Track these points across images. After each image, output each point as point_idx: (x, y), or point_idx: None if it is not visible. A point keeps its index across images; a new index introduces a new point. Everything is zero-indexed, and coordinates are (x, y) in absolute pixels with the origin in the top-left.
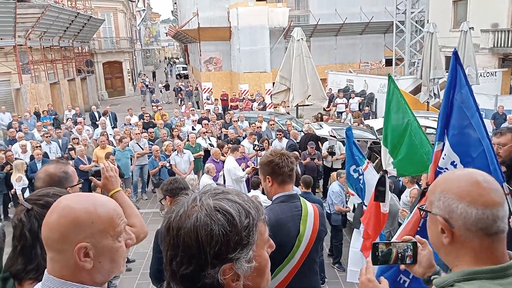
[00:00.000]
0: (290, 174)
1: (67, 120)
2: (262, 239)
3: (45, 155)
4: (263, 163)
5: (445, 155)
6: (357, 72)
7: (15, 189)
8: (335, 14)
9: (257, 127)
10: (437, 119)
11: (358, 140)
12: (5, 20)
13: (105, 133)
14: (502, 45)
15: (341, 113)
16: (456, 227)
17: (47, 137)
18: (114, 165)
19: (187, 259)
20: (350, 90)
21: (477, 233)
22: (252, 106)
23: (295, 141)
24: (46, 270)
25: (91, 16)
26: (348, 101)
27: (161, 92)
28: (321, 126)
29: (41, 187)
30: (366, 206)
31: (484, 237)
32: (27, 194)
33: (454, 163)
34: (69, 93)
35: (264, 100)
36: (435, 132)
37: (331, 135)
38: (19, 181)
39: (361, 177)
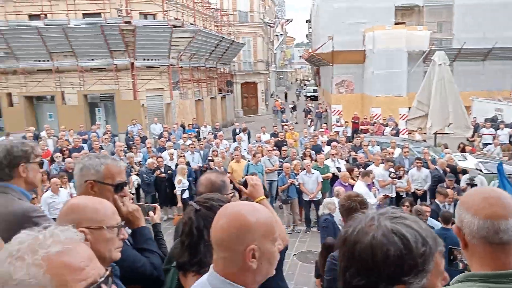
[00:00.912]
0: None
1: (208, 133)
2: (438, 270)
3: (188, 164)
4: (339, 205)
5: None
6: (508, 101)
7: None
8: (483, 38)
9: (389, 153)
10: None
11: (509, 177)
12: (162, 43)
13: (239, 148)
14: None
15: (487, 144)
16: (465, 234)
17: (191, 147)
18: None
19: (361, 272)
20: (499, 120)
21: (480, 241)
22: (384, 131)
23: (441, 171)
24: (212, 266)
25: (233, 40)
26: (496, 132)
27: (291, 112)
28: (465, 158)
29: (203, 192)
30: None
31: (486, 245)
32: (185, 195)
33: None
34: (210, 110)
35: (397, 125)
36: None
37: (476, 169)
38: (179, 183)
39: None
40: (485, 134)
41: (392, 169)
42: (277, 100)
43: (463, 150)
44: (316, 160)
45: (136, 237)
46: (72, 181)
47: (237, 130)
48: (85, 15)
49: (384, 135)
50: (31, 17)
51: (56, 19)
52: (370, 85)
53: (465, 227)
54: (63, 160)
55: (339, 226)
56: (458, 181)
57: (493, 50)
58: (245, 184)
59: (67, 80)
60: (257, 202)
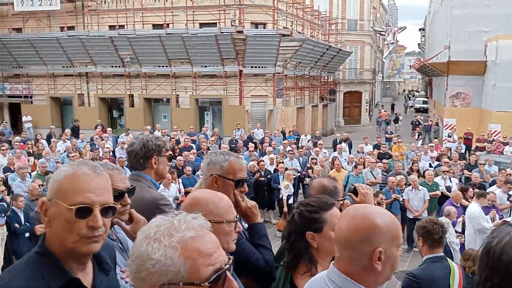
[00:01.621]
0: (439, 240)
1: (308, 141)
2: None
3: (286, 169)
4: (419, 225)
5: None
6: None
7: (282, 194)
8: None
9: (507, 174)
10: None
11: None
12: (270, 51)
13: (337, 158)
14: None
15: None
16: None
17: (290, 154)
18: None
19: (505, 283)
20: None
21: None
22: (503, 149)
23: None
24: (332, 263)
25: (340, 49)
26: None
27: (396, 123)
28: None
29: (313, 195)
30: None
31: None
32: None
33: None
34: (311, 118)
35: None
36: None
37: None
38: (286, 188)
39: None
40: None
41: (511, 192)
42: (385, 111)
43: None
44: (424, 176)
45: (252, 232)
46: (180, 177)
47: (338, 140)
48: (202, 25)
49: (503, 154)
50: (155, 26)
51: (176, 29)
52: (490, 99)
53: None
54: (175, 157)
55: (455, 247)
56: None
57: None
58: (354, 191)
59: (182, 85)
60: None
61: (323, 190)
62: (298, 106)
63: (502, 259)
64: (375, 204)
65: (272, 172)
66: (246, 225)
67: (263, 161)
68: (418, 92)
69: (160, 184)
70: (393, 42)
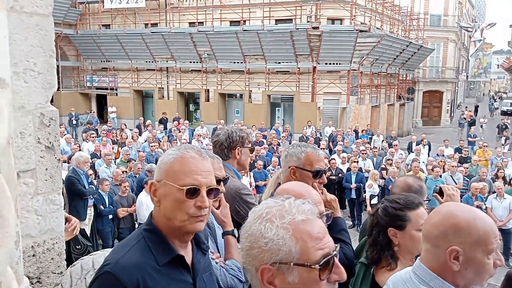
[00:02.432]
0: None
1: (382, 141)
2: None
3: (360, 169)
4: None
5: None
6: None
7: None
8: None
9: None
10: None
11: None
12: (346, 48)
13: (417, 160)
14: None
15: None
16: None
17: (363, 153)
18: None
19: None
20: None
21: None
22: None
23: None
24: (418, 258)
25: (421, 46)
26: None
27: (481, 127)
28: None
29: (397, 193)
30: None
31: None
32: (374, 201)
33: None
34: (386, 117)
35: None
36: None
37: None
38: (370, 188)
39: None
40: None
41: None
42: (470, 111)
43: None
44: (510, 184)
45: (332, 226)
46: (252, 171)
47: (414, 144)
48: (278, 21)
49: None
50: (232, 23)
51: (252, 25)
52: None
53: None
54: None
55: None
56: None
57: None
58: (440, 192)
59: (255, 81)
60: None
61: (407, 189)
62: (373, 104)
63: None
64: None
65: (344, 170)
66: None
67: (334, 159)
68: (506, 93)
69: (242, 175)
70: (480, 39)
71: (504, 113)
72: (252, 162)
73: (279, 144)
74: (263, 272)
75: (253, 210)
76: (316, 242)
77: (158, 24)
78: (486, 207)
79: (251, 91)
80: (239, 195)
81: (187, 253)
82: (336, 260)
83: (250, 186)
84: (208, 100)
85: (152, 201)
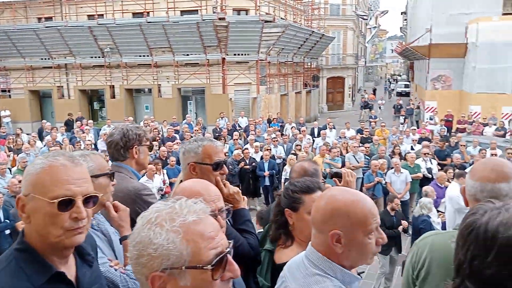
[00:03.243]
0: None
1: (291, 128)
2: None
3: (272, 157)
4: None
5: None
6: None
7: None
8: None
9: (490, 155)
10: None
11: None
12: (253, 38)
13: (328, 144)
14: None
15: None
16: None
17: (275, 141)
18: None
19: (498, 263)
20: None
21: (470, 198)
22: (483, 130)
23: None
24: (310, 242)
25: (323, 34)
26: None
27: (379, 108)
28: None
29: (295, 177)
30: None
31: (475, 202)
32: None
33: None
34: (295, 104)
35: (504, 125)
36: None
37: None
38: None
39: None
40: None
41: None
42: (372, 94)
43: None
44: (405, 159)
45: (236, 218)
46: (165, 168)
47: (316, 130)
48: (183, 12)
49: (483, 135)
50: (135, 14)
51: (156, 17)
52: (470, 81)
53: (466, 188)
54: (159, 148)
55: (436, 226)
56: None
57: None
58: (337, 175)
59: (164, 74)
60: None
61: (304, 173)
62: (282, 93)
63: (497, 238)
64: (388, 209)
65: (257, 160)
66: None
67: (247, 149)
68: (400, 76)
69: (143, 175)
70: (375, 27)
71: (399, 94)
72: (165, 158)
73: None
74: (153, 279)
75: (142, 215)
76: (208, 242)
77: (53, 18)
78: (386, 182)
79: (160, 85)
80: (139, 197)
81: (69, 268)
82: (229, 257)
83: (164, 184)
84: (113, 97)
85: (21, 217)
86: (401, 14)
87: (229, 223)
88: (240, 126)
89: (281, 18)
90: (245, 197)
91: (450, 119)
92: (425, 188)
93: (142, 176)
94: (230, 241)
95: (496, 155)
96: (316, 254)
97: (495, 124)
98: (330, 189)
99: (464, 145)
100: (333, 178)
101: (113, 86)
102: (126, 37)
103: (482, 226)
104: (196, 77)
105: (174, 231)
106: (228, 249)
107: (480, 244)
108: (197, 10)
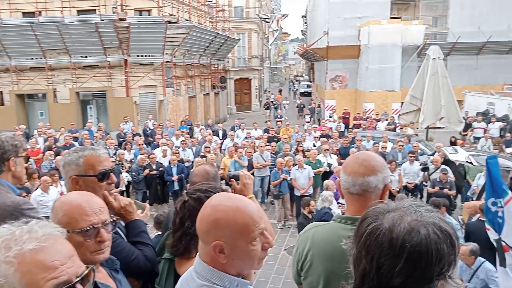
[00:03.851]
0: None
1: (200, 130)
2: None
3: (181, 160)
4: None
5: None
6: (500, 95)
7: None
8: (477, 32)
9: (382, 148)
10: None
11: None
12: (156, 39)
13: (237, 144)
14: None
15: (478, 138)
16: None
17: (183, 144)
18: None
19: (407, 271)
20: (491, 114)
21: (344, 191)
22: (376, 125)
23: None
24: (198, 254)
25: (228, 36)
26: (487, 126)
27: (285, 108)
28: (456, 151)
29: (198, 182)
30: (505, 242)
31: (348, 195)
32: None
33: None
34: (203, 106)
35: (394, 120)
36: None
37: (467, 162)
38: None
39: (500, 210)
40: (476, 128)
41: None
42: (279, 95)
43: (454, 144)
44: (305, 155)
45: (129, 230)
46: (61, 179)
47: (220, 132)
48: (80, 12)
49: (376, 129)
50: (25, 14)
51: (50, 16)
52: (364, 80)
53: (341, 182)
54: (55, 157)
55: None
56: None
57: (487, 44)
58: (236, 178)
59: (59, 78)
60: None
61: (207, 176)
62: (190, 95)
63: (405, 246)
64: (305, 212)
65: (165, 164)
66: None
67: (154, 153)
68: (303, 77)
69: (50, 185)
70: (277, 29)
71: (302, 94)
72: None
73: (93, 145)
74: None
75: None
76: (48, 272)
77: None
78: (291, 178)
79: (55, 89)
80: (20, 211)
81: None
82: (80, 287)
83: (61, 195)
84: (2, 104)
85: None
86: (302, 18)
87: (123, 236)
88: (150, 129)
89: (186, 20)
90: (147, 204)
91: (347, 116)
92: (326, 182)
93: (36, 189)
94: (91, 266)
95: (385, 148)
96: (203, 265)
97: (387, 119)
98: (213, 198)
99: (360, 140)
100: (231, 180)
101: (1, 92)
102: (15, 38)
103: (386, 233)
104: (97, 80)
105: (7, 262)
106: (79, 278)
107: (387, 252)
108: (95, 10)
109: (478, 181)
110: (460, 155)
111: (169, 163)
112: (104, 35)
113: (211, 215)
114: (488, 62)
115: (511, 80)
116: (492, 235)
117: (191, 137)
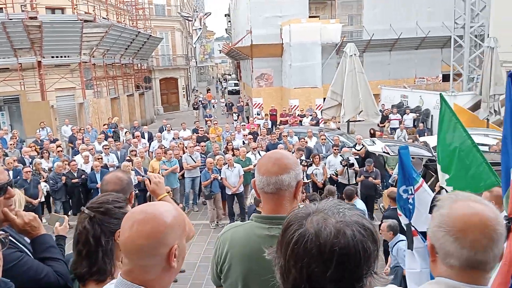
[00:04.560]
0: None
1: (125, 133)
2: None
3: (105, 166)
4: None
5: None
6: (412, 88)
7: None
8: (389, 29)
9: (306, 142)
10: (497, 136)
11: (413, 157)
12: (72, 39)
13: (163, 146)
14: None
15: (394, 129)
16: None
17: (106, 149)
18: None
19: (338, 275)
20: (405, 106)
21: (260, 191)
22: (301, 121)
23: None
24: (120, 274)
25: (150, 35)
26: (402, 117)
27: (213, 107)
28: (373, 142)
29: (111, 190)
30: (414, 227)
31: (263, 195)
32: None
33: None
34: (128, 108)
35: (317, 115)
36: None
37: (384, 152)
38: None
39: (411, 197)
40: (392, 120)
41: (303, 157)
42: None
43: (373, 136)
44: (234, 154)
45: (36, 246)
46: None
47: (146, 134)
48: None
49: (302, 125)
50: None
51: None
52: (288, 78)
53: (256, 182)
54: None
55: None
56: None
57: (398, 41)
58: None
59: None
60: (160, 199)
61: (120, 183)
62: (112, 96)
63: (335, 251)
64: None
65: (88, 171)
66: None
67: (75, 160)
68: (230, 75)
69: None
70: (200, 28)
71: (230, 92)
72: None
73: (6, 155)
74: None
75: None
76: None
77: None
78: (221, 177)
79: None
80: None
81: None
82: None
83: None
84: None
85: None
86: (225, 16)
87: (29, 254)
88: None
89: (103, 18)
90: (65, 216)
91: (274, 113)
92: (253, 180)
93: None
94: None
95: (307, 142)
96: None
97: (311, 115)
98: (138, 210)
99: (286, 136)
100: (145, 180)
101: None
102: None
103: (313, 239)
104: (7, 84)
105: None
106: None
107: (317, 259)
108: (1, 8)
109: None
110: (377, 146)
111: (92, 169)
112: (13, 35)
113: (159, 222)
114: (400, 57)
115: (421, 74)
116: (403, 220)
117: (115, 141)
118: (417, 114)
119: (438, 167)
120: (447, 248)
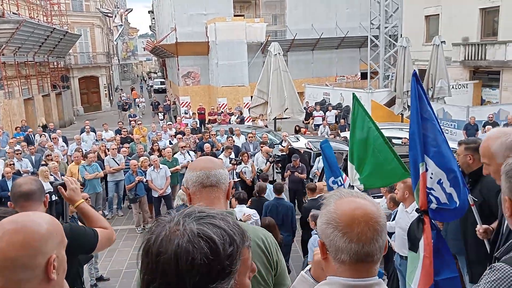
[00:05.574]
0: None
1: (40, 136)
2: (245, 265)
3: (17, 172)
4: None
5: (432, 174)
6: (334, 86)
7: None
8: (311, 29)
9: (232, 141)
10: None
11: (334, 152)
12: None
13: (81, 149)
14: (473, 58)
15: (318, 125)
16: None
17: (18, 154)
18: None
19: (165, 286)
20: (327, 103)
21: (197, 186)
22: (230, 119)
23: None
24: None
25: (67, 32)
26: (325, 114)
27: (138, 106)
28: (297, 138)
29: (28, 190)
30: None
31: (201, 188)
32: None
33: (441, 181)
34: (43, 109)
35: (242, 113)
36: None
37: (307, 148)
38: None
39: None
40: (316, 116)
41: (232, 156)
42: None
43: (298, 132)
44: (161, 154)
45: None
46: None
47: (60, 139)
48: None
49: (230, 123)
50: None
51: None
52: (215, 76)
53: (190, 179)
54: None
55: None
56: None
57: (320, 41)
58: (63, 186)
59: None
60: (77, 205)
61: (36, 183)
62: (26, 97)
63: (159, 260)
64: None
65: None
66: None
67: None
68: (156, 73)
69: None
70: (121, 24)
71: (156, 91)
72: None
73: None
74: None
75: None
76: None
77: None
78: (147, 179)
79: None
80: None
81: None
82: None
83: None
84: None
85: None
86: (149, 13)
87: None
88: None
89: (13, 13)
90: None
91: (202, 112)
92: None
93: None
94: None
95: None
96: None
97: (241, 113)
98: (9, 220)
99: (214, 135)
100: (59, 188)
101: None
102: None
103: (151, 247)
104: None
105: None
106: None
107: (147, 267)
108: None
109: (318, 164)
110: (301, 143)
111: (3, 176)
112: None
113: (33, 231)
114: (322, 56)
115: (342, 72)
116: None
117: (28, 144)
118: (339, 111)
119: (350, 165)
120: (337, 244)
